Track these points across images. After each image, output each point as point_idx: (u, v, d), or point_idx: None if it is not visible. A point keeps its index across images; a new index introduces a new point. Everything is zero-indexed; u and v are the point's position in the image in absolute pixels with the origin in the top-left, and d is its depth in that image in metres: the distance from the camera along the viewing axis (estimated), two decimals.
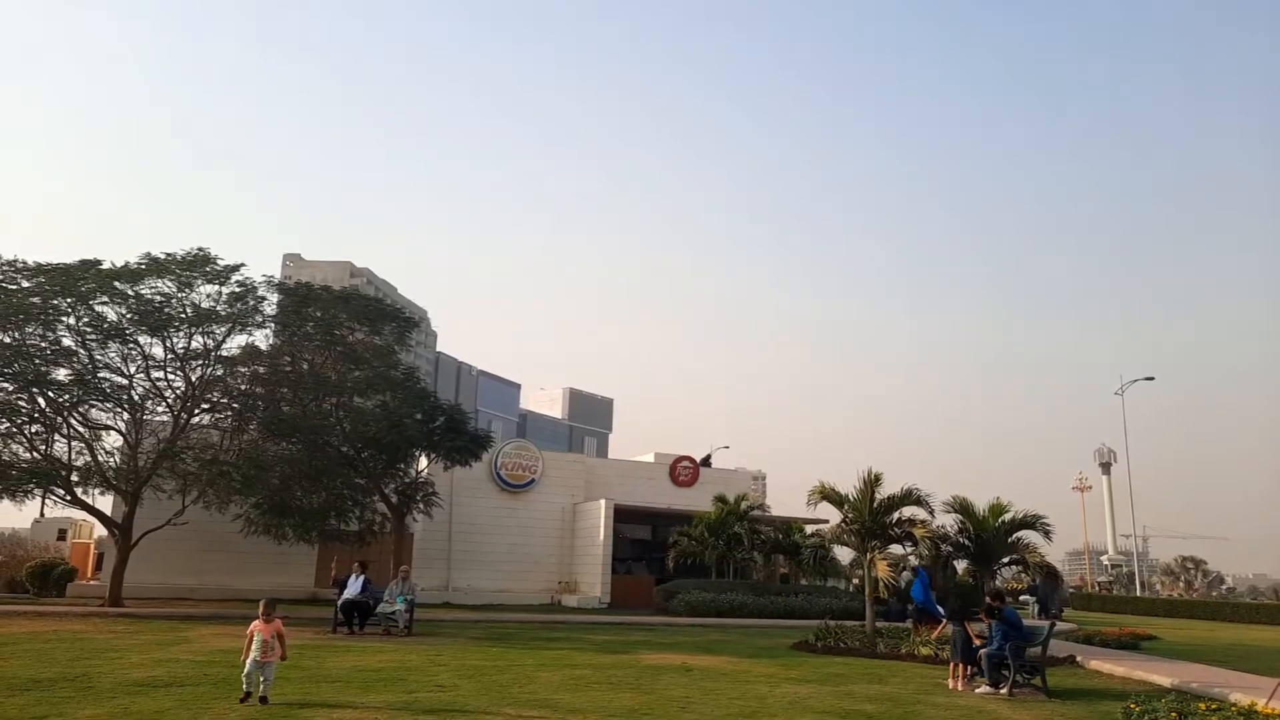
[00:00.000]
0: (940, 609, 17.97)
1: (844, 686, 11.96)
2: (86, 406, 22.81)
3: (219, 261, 22.98)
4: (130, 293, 22.17)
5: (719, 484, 34.38)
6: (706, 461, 41.30)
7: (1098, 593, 61.19)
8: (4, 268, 21.67)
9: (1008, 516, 19.80)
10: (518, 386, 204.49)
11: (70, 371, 22.16)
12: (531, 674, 12.08)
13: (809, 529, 32.12)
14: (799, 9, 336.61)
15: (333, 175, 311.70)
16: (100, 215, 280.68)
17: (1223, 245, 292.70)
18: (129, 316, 22.31)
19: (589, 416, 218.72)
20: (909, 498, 18.21)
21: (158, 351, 22.90)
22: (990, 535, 19.58)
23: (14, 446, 22.18)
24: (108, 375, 22.66)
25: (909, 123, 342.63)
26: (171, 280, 22.55)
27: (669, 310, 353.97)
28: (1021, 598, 34.80)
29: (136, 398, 23.01)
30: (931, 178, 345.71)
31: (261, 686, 8.97)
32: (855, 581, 32.68)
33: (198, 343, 23.11)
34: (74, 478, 22.27)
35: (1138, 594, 59.49)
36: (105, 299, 22.17)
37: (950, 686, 12.33)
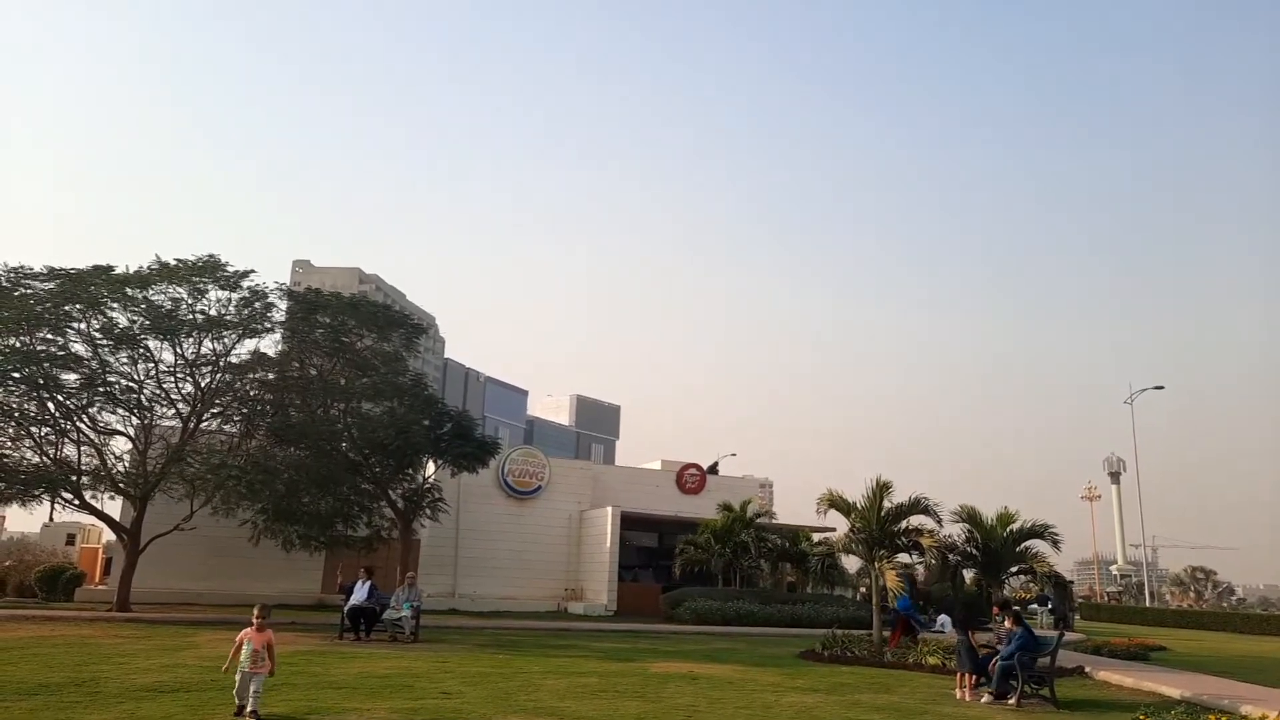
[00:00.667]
0: (919, 618, 17.98)
1: (851, 696, 11.91)
2: (95, 410, 22.90)
3: (229, 268, 23.10)
4: (140, 298, 22.29)
5: (725, 492, 34.33)
6: (713, 469, 41.24)
7: (1107, 603, 60.81)
8: (14, 273, 21.81)
9: (1016, 526, 19.75)
10: (525, 393, 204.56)
11: (80, 376, 22.26)
12: (537, 681, 12.07)
13: (816, 537, 32.04)
14: (806, 11, 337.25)
15: (341, 182, 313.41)
16: (108, 221, 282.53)
17: (1231, 249, 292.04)
18: (139, 322, 22.43)
19: (596, 423, 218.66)
20: (917, 506, 18.17)
21: (167, 357, 23.01)
22: (998, 544, 19.52)
23: (23, 450, 22.29)
24: (117, 379, 22.76)
25: (912, 124, 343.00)
26: (182, 286, 22.67)
27: (677, 317, 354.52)
28: (1030, 607, 34.63)
29: (145, 402, 23.11)
30: (941, 181, 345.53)
31: (251, 700, 8.39)
32: (862, 590, 32.61)
33: (207, 348, 23.21)
34: (83, 482, 22.36)
35: (1147, 604, 59.08)
36: (116, 304, 22.29)
37: (958, 697, 12.27)
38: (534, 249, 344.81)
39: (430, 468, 28.77)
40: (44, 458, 22.22)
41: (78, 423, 22.70)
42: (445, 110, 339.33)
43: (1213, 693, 12.84)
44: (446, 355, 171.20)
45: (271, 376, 24.40)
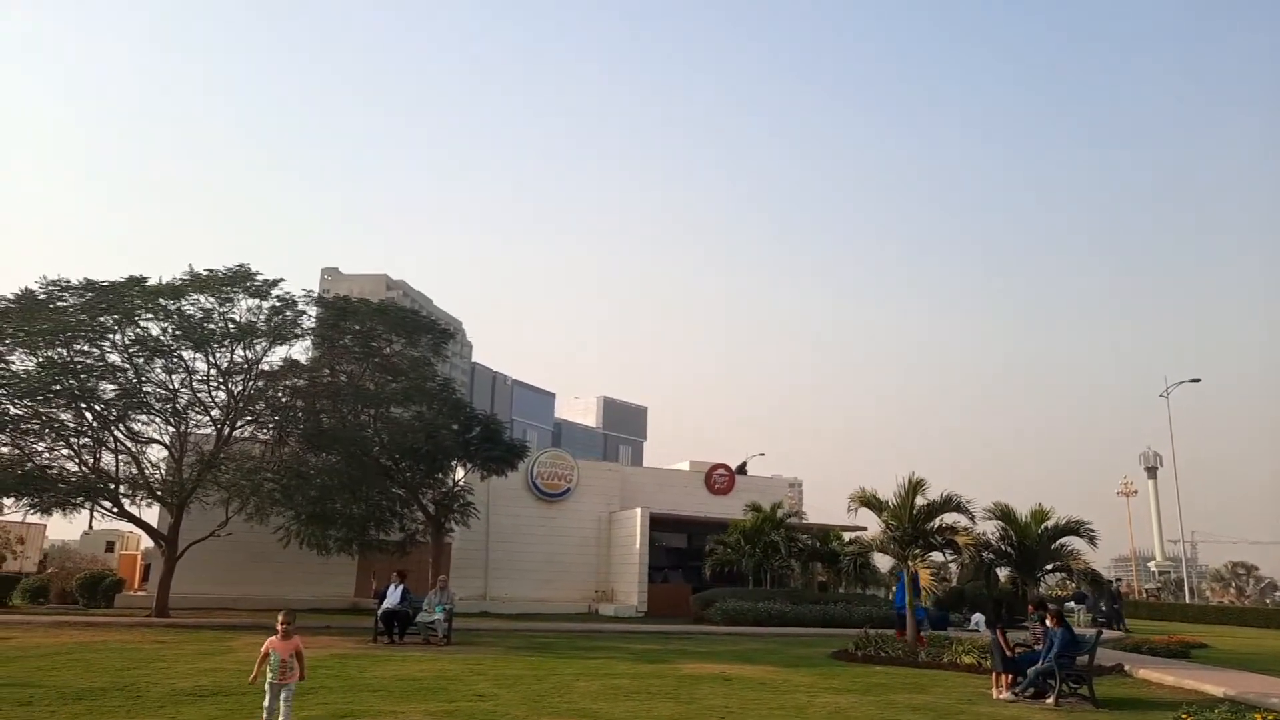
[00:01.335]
0: (921, 615, 17.86)
1: (885, 696, 11.82)
2: (132, 420, 23.30)
3: (258, 277, 23.42)
4: (174, 309, 22.66)
5: (754, 492, 34.23)
6: (742, 469, 41.10)
7: (1145, 600, 59.85)
8: (52, 286, 22.26)
9: (1050, 523, 19.54)
10: (552, 396, 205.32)
11: (116, 386, 22.67)
12: (570, 683, 12.10)
13: (847, 536, 31.82)
14: (809, 11, 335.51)
15: (369, 188, 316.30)
16: (137, 232, 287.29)
17: (1260, 242, 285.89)
18: (173, 332, 22.79)
19: (623, 425, 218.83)
20: (949, 504, 18.01)
21: (200, 365, 23.36)
22: (1033, 542, 19.33)
23: (62, 460, 22.74)
24: (153, 389, 23.14)
25: (937, 130, 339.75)
26: (213, 296, 23.01)
27: (703, 317, 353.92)
28: (1066, 605, 34.17)
29: (180, 410, 23.47)
30: (981, 181, 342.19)
31: (282, 711, 7.87)
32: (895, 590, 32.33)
33: (239, 356, 23.54)
34: (121, 490, 22.76)
35: (1187, 601, 58.06)
36: (149, 315, 22.67)
37: (994, 696, 12.14)
38: (562, 252, 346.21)
39: (460, 471, 28.97)
40: (83, 467, 22.64)
41: (115, 432, 23.10)
42: (468, 115, 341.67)
43: (1258, 691, 12.59)
44: (474, 359, 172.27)
45: (302, 383, 24.69)
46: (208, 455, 22.82)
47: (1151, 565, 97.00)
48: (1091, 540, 19.81)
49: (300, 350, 25.40)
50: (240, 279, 23.15)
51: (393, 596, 18.07)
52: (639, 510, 31.22)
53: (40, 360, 21.52)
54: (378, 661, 14.12)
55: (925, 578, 16.80)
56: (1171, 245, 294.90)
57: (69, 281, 22.51)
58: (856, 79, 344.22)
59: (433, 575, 22.39)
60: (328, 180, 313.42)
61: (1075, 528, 19.60)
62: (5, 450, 21.99)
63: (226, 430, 23.51)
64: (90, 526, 35.44)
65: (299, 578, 27.19)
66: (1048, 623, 12.41)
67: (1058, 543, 19.48)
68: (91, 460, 22.90)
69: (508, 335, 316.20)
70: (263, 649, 8.15)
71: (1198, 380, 57.11)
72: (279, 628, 8.10)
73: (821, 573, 33.49)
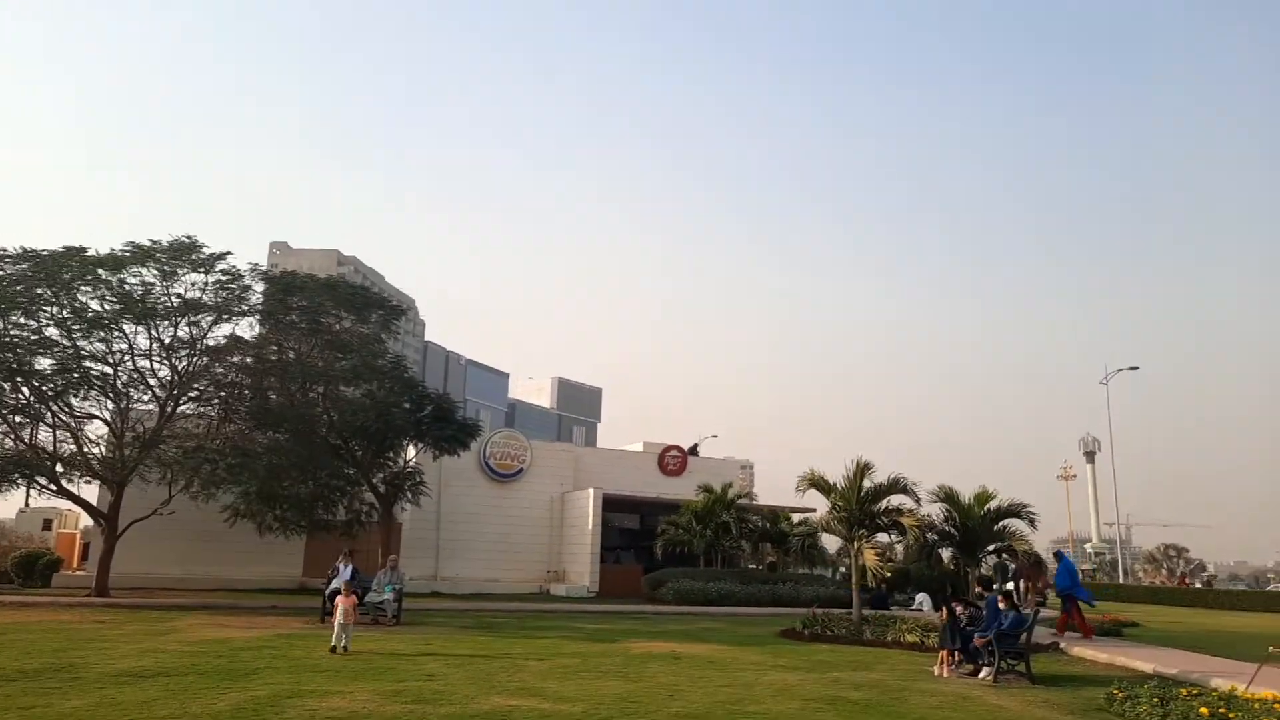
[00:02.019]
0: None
1: (831, 673, 12.05)
2: (70, 395, 22.63)
3: (204, 249, 22.83)
4: (115, 281, 21.98)
5: (707, 473, 34.48)
6: (694, 451, 41.35)
7: (1081, 580, 61.73)
8: None
9: (993, 505, 19.94)
10: (506, 376, 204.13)
11: (54, 360, 21.98)
12: (520, 663, 12.12)
13: (796, 518, 32.28)
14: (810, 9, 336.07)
15: (321, 163, 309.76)
16: (87, 203, 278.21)
17: (1211, 233, 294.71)
18: (113, 304, 22.13)
19: (577, 406, 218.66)
20: (896, 486, 18.30)
21: (142, 341, 22.75)
22: (976, 523, 19.72)
23: None
24: (92, 364, 22.48)
25: (899, 113, 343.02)
26: (156, 268, 22.38)
27: (657, 300, 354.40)
28: (1008, 585, 35.08)
29: (121, 387, 22.85)
30: (921, 166, 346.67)
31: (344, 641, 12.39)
32: (842, 569, 32.92)
33: (183, 332, 22.96)
34: (59, 467, 22.14)
35: (1120, 581, 60.05)
36: (89, 287, 21.98)
37: (936, 673, 12.44)
38: (516, 232, 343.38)
39: (411, 451, 28.70)
40: (19, 443, 21.96)
41: (53, 407, 22.43)
42: (426, 93, 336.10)
43: (1183, 667, 13.10)
44: (427, 338, 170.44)
45: (249, 360, 24.19)
46: (149, 433, 22.28)
47: (1088, 547, 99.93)
48: (1032, 522, 20.27)
49: (246, 327, 24.90)
50: (184, 251, 22.55)
51: (342, 575, 17.87)
52: (591, 491, 31.28)
53: None
54: (325, 641, 13.92)
55: (871, 558, 17.08)
56: (1157, 232, 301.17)
57: (4, 250, 21.72)
58: (844, 66, 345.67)
59: (383, 555, 22.21)
60: (281, 157, 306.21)
61: (1017, 510, 20.03)
62: None
63: (169, 407, 22.96)
64: (26, 504, 34.42)
65: (245, 557, 26.77)
66: (1000, 604, 12.75)
67: (1000, 524, 19.90)
68: (28, 436, 22.22)
69: (462, 315, 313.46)
70: (337, 602, 12.98)
71: (1136, 368, 58.83)
72: (344, 589, 13.27)
73: (771, 553, 33.94)
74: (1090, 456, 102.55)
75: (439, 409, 27.30)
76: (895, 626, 17.06)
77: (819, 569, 32.96)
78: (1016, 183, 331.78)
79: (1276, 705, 9.16)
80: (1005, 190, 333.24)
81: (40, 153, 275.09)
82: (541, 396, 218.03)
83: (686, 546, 29.17)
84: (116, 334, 22.44)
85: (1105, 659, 14.70)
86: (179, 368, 23.07)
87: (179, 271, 22.60)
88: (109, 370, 22.62)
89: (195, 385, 23.51)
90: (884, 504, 18.26)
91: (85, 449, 22.83)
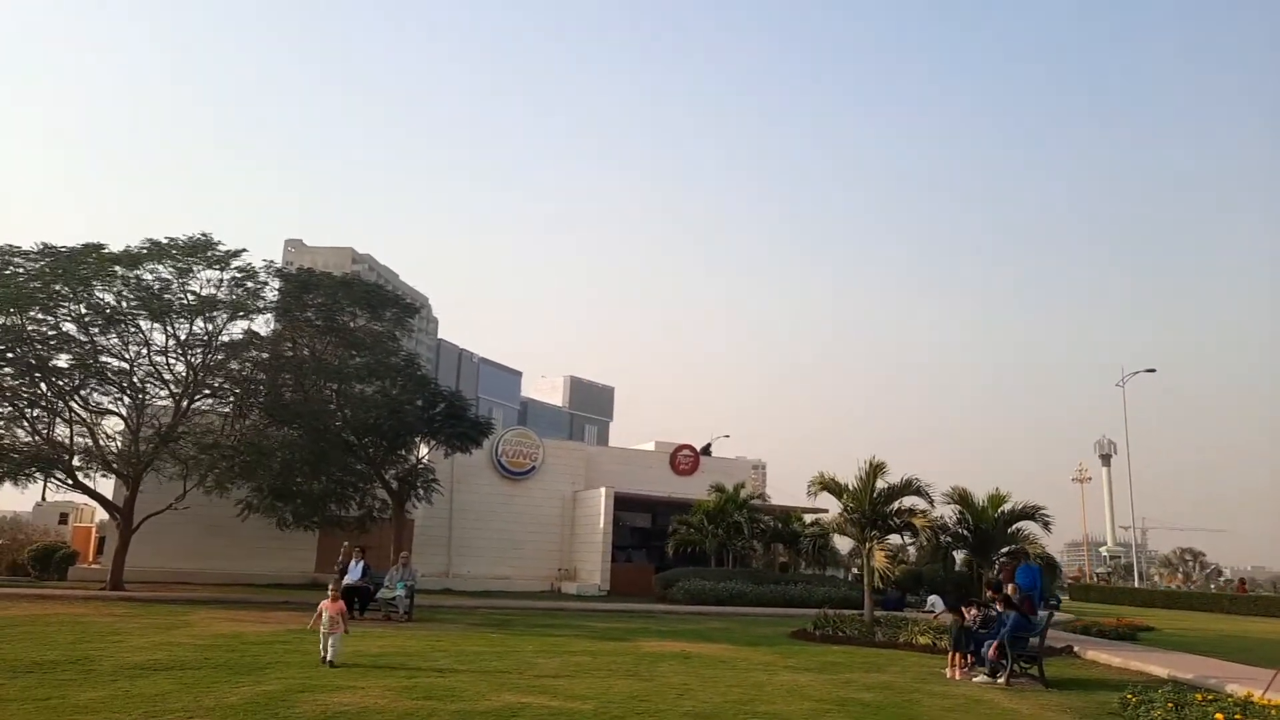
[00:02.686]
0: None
1: (842, 675, 12.01)
2: (88, 391, 22.84)
3: (220, 247, 22.97)
4: (131, 277, 22.16)
5: (719, 473, 34.45)
6: (707, 450, 41.33)
7: (1096, 584, 61.34)
8: (3, 252, 21.65)
9: (1007, 507, 19.87)
10: (519, 374, 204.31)
11: (71, 356, 22.17)
12: (531, 660, 12.14)
13: (808, 518, 32.21)
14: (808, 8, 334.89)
15: (336, 161, 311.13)
16: (100, 200, 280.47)
17: (1227, 237, 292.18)
18: (130, 301, 22.32)
19: (590, 405, 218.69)
20: (909, 488, 18.25)
21: (159, 337, 22.93)
22: (989, 526, 19.65)
23: (16, 431, 22.24)
24: (109, 360, 22.68)
25: (910, 113, 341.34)
26: (172, 265, 22.54)
27: (670, 299, 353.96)
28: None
29: (137, 382, 23.04)
30: (934, 168, 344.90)
31: (330, 650, 10.80)
32: (854, 571, 32.82)
33: (199, 328, 23.13)
34: (75, 462, 22.34)
35: (1136, 585, 59.61)
36: (106, 284, 22.17)
37: (948, 675, 12.37)
38: (529, 230, 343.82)
39: (423, 448, 28.80)
40: (37, 437, 22.17)
41: (70, 403, 22.64)
42: (442, 91, 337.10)
43: (1199, 672, 12.98)
44: (440, 336, 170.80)
45: (265, 356, 24.35)
46: (165, 428, 22.44)
47: (1103, 550, 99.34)
48: (1046, 525, 20.20)
49: (262, 323, 25.06)
50: (201, 248, 22.69)
51: (354, 572, 17.99)
52: (603, 490, 31.29)
53: None
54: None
55: (880, 560, 17.02)
56: (1175, 236, 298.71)
57: (22, 248, 21.93)
58: (854, 69, 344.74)
59: (395, 552, 22.30)
60: (296, 155, 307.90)
61: (1031, 512, 19.95)
62: None
63: (185, 403, 23.13)
64: (44, 498, 34.80)
65: (258, 552, 26.95)
66: (997, 607, 12.68)
67: (1014, 527, 19.83)
68: (46, 431, 22.42)
69: (475, 313, 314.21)
70: (319, 607, 11.09)
71: (1153, 370, 58.39)
72: (330, 594, 11.24)
73: (783, 553, 33.87)
74: (1106, 459, 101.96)
75: (451, 407, 27.39)
76: (907, 628, 16.98)
77: (831, 570, 32.87)
78: (1037, 186, 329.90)
79: None
80: (1026, 192, 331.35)
81: (50, 151, 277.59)
82: (554, 395, 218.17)
83: (698, 546, 29.15)
84: (133, 330, 22.63)
85: (1119, 663, 14.58)
86: (194, 363, 23.23)
87: (195, 268, 22.76)
88: (125, 366, 22.81)
89: (210, 381, 23.67)
90: (896, 505, 18.22)
91: (102, 444, 23.02)
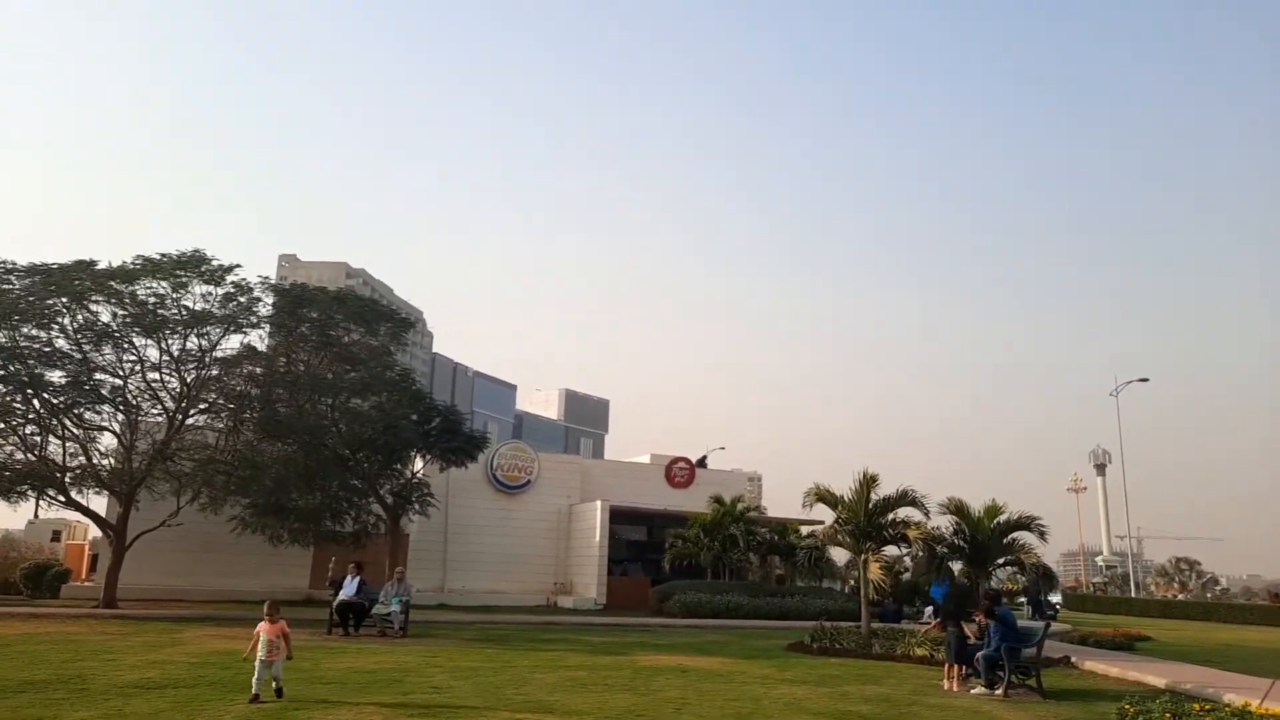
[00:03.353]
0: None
1: (839, 687, 11.97)
2: (81, 408, 22.74)
3: (214, 262, 22.94)
4: (125, 292, 22.11)
5: (715, 485, 34.40)
6: (702, 463, 41.28)
7: (1092, 594, 61.29)
8: None
9: (1003, 518, 19.79)
10: (514, 388, 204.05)
11: (64, 373, 22.09)
12: (527, 675, 12.08)
13: (804, 530, 32.12)
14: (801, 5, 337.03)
15: (330, 176, 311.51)
16: (94, 215, 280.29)
17: (1221, 246, 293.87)
18: (123, 317, 22.26)
19: (585, 418, 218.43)
20: (904, 499, 18.22)
21: (153, 353, 22.86)
22: (985, 537, 19.57)
23: (8, 448, 22.12)
24: (103, 377, 22.60)
25: (909, 123, 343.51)
26: (166, 281, 22.50)
27: (666, 312, 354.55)
28: (1018, 600, 34.85)
29: (131, 399, 22.95)
30: (931, 179, 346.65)
31: (272, 680, 9.36)
32: (851, 583, 32.73)
33: (193, 344, 23.07)
34: (68, 479, 22.21)
35: (1132, 595, 59.57)
36: (99, 300, 22.11)
37: (945, 688, 12.35)
38: (525, 244, 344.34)
39: (419, 463, 28.72)
40: (29, 455, 22.05)
41: (63, 419, 22.53)
42: (436, 105, 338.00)
43: (1196, 681, 12.97)
44: (435, 350, 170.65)
45: (259, 371, 24.29)
46: (159, 444, 22.35)
47: (1099, 560, 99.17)
48: (1042, 535, 20.12)
49: (256, 339, 24.99)
50: (194, 264, 22.65)
51: (349, 588, 17.89)
52: (599, 503, 31.23)
53: None
54: (332, 653, 13.96)
55: (875, 572, 16.98)
56: (1168, 246, 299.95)
57: (14, 264, 21.87)
58: (856, 74, 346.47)
59: (390, 567, 22.20)
60: (290, 170, 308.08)
61: (1026, 523, 19.89)
62: None
63: (179, 419, 23.04)
64: (36, 515, 34.54)
65: (252, 569, 26.82)
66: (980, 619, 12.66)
67: (1009, 537, 19.75)
68: (39, 448, 22.31)
69: (470, 327, 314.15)
70: (255, 631, 9.46)
71: (1146, 380, 58.54)
72: (266, 615, 9.49)
73: (779, 566, 33.78)
74: (1101, 469, 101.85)
75: (446, 421, 27.33)
76: (904, 640, 16.95)
77: (827, 582, 32.77)
78: (1031, 197, 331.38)
79: None
80: (1020, 204, 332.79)
81: (41, 164, 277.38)
82: (549, 408, 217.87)
83: (694, 559, 29.07)
84: (127, 345, 22.56)
85: (1117, 673, 14.56)
86: (188, 379, 23.16)
87: (189, 283, 22.72)
88: (119, 382, 22.73)
89: (205, 397, 23.60)
90: (892, 516, 18.19)
91: (95, 461, 22.91)
